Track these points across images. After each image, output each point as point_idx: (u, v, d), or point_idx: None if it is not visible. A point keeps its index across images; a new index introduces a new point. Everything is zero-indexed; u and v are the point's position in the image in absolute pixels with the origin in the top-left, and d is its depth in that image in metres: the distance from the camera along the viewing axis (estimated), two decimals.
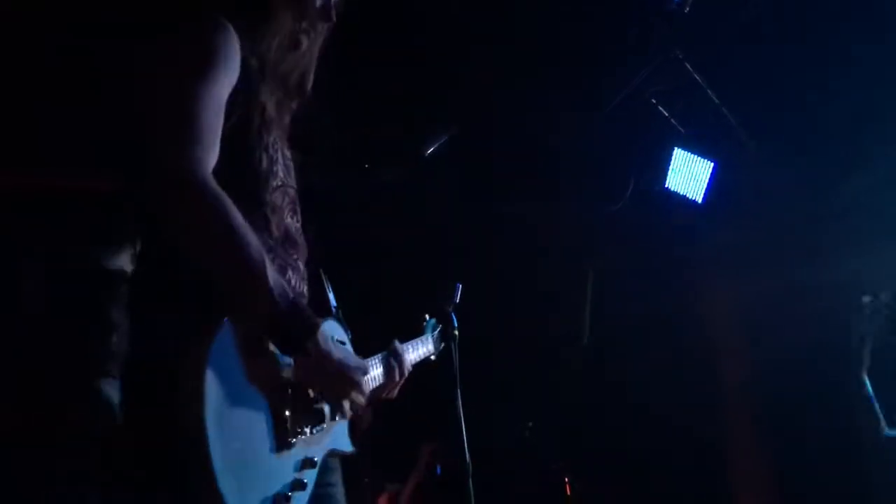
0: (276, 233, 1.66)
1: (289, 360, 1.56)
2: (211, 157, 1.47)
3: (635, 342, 5.89)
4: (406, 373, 2.06)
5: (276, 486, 1.51)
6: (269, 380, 1.52)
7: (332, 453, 1.70)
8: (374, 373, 1.94)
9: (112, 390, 1.62)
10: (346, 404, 1.64)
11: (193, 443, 1.36)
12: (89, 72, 1.98)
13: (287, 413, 1.54)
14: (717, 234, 5.60)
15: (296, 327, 1.50)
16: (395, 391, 2.04)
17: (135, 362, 1.50)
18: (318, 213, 1.90)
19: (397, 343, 2.10)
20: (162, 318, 1.49)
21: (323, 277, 1.87)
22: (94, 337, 2.09)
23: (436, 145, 4.68)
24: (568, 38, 4.39)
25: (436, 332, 2.52)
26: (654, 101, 4.88)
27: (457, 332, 3.15)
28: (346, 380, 1.59)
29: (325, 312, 1.87)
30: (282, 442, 1.53)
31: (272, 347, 1.54)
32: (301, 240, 1.77)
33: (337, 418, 1.71)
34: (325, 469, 1.68)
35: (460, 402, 3.08)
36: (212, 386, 1.39)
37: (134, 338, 1.51)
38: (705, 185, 5.02)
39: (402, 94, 4.58)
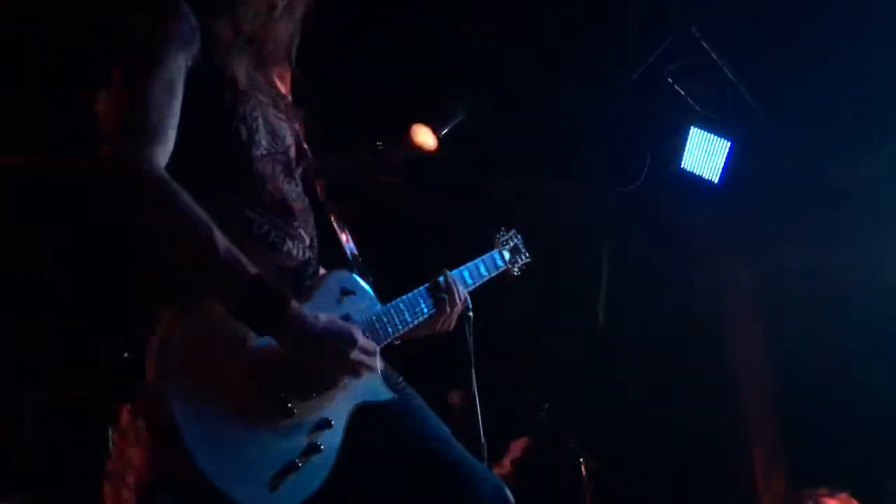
0: (270, 204, 1.65)
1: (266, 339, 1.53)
2: (157, 144, 1.47)
3: (650, 322, 5.88)
4: (459, 300, 2.01)
5: (279, 458, 1.50)
6: (256, 347, 1.51)
7: (364, 405, 1.67)
8: (410, 311, 1.89)
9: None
10: (345, 371, 1.57)
11: (169, 435, 1.38)
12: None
13: (274, 386, 1.53)
14: (733, 215, 5.56)
15: (261, 306, 1.46)
16: (453, 321, 2.00)
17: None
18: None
19: (446, 272, 2.04)
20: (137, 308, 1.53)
21: (335, 226, 1.83)
22: None
23: (451, 126, 4.66)
24: (583, 16, 4.35)
25: (511, 245, 2.39)
26: (670, 79, 4.83)
27: (471, 314, 3.14)
28: (332, 350, 1.53)
29: (341, 262, 1.83)
30: (276, 415, 1.52)
31: (246, 329, 1.51)
32: (302, 204, 1.74)
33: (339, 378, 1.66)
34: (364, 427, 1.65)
35: (475, 384, 3.08)
36: (178, 376, 1.41)
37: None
38: (722, 165, 4.97)
39: (418, 71, 4.56)
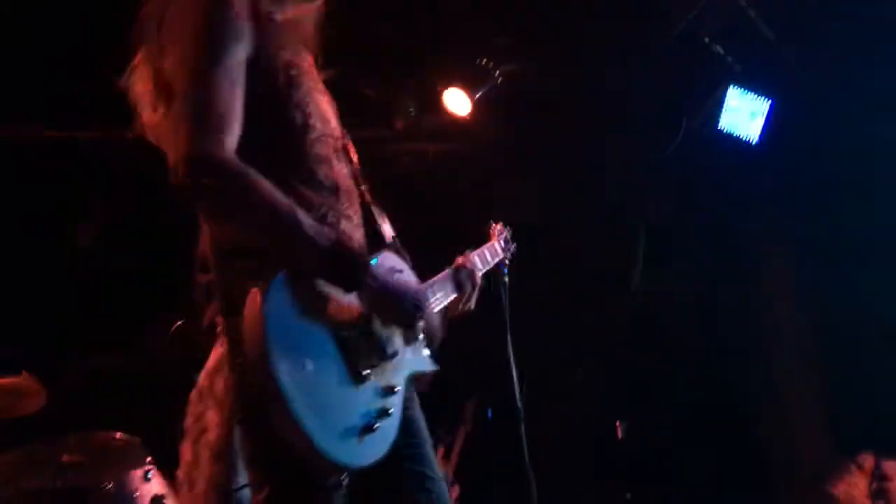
0: (326, 184, 1.73)
1: (350, 296, 1.65)
2: (227, 138, 1.55)
3: (687, 286, 5.84)
4: (478, 282, 2.13)
5: (359, 418, 1.61)
6: (333, 318, 1.61)
7: (416, 376, 1.78)
8: (443, 291, 2.01)
9: None
10: (418, 327, 1.71)
11: (269, 391, 1.48)
12: None
13: (356, 347, 1.63)
14: (773, 176, 5.47)
15: (346, 266, 1.60)
16: (472, 301, 2.11)
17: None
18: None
19: (468, 254, 2.18)
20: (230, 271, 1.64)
21: (375, 211, 1.90)
22: None
23: (484, 90, 4.64)
24: None
25: (503, 236, 2.55)
26: (706, 39, 4.74)
27: (507, 279, 3.16)
28: (408, 306, 1.68)
29: (380, 245, 1.90)
30: (356, 376, 1.62)
31: (330, 288, 1.62)
32: (351, 184, 1.82)
33: (411, 342, 1.78)
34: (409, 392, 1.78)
35: (511, 349, 3.10)
36: (274, 332, 1.50)
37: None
38: (761, 125, 4.88)
39: (450, 33, 4.53)
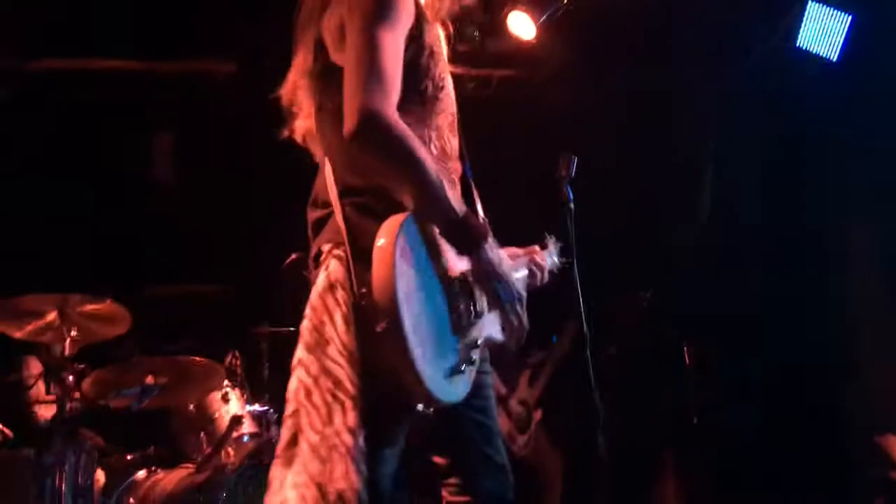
0: (436, 151, 1.97)
1: (462, 257, 1.89)
2: (394, 97, 1.80)
3: (758, 213, 5.71)
4: (546, 280, 2.35)
5: (453, 360, 1.82)
6: (447, 273, 1.85)
7: (488, 340, 1.97)
8: (520, 274, 2.22)
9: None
10: (507, 307, 1.93)
11: (390, 313, 1.66)
12: None
13: (460, 302, 1.86)
14: (854, 96, 5.25)
15: (469, 233, 1.86)
16: (537, 285, 2.32)
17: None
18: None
19: (550, 248, 2.42)
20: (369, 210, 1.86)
21: (473, 188, 2.10)
22: None
23: (550, 13, 4.53)
24: None
25: (556, 249, 2.64)
26: None
27: (572, 206, 3.15)
28: (508, 292, 1.92)
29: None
30: (455, 325, 1.84)
31: (450, 248, 1.87)
32: (456, 158, 2.05)
33: (492, 309, 1.97)
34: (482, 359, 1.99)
35: (577, 274, 3.11)
36: (402, 262, 1.71)
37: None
38: (841, 42, 4.68)
39: None
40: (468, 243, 1.86)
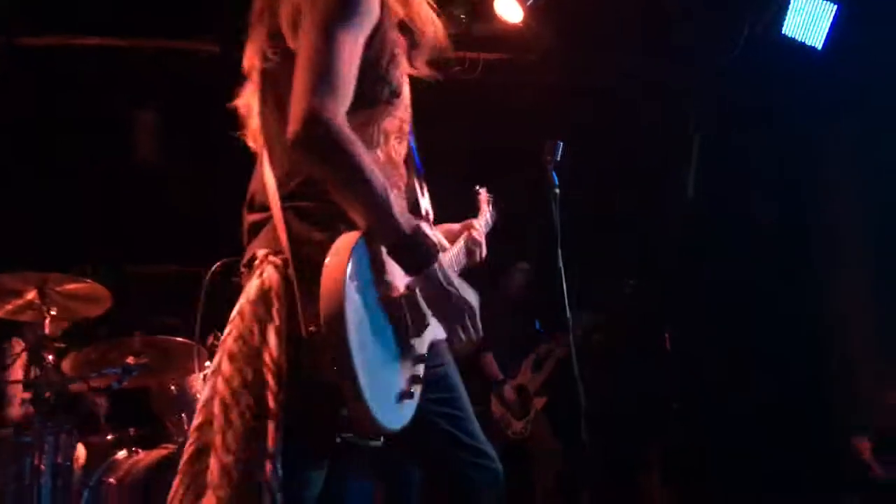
0: (382, 157, 1.84)
1: (409, 278, 1.76)
2: (345, 104, 1.67)
3: (743, 198, 5.74)
4: (485, 252, 2.26)
5: (402, 384, 1.72)
6: (392, 293, 1.73)
7: (434, 342, 1.88)
8: (456, 256, 2.13)
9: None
10: (458, 329, 1.80)
11: (339, 350, 1.55)
12: None
13: (406, 320, 1.74)
14: (838, 84, 5.27)
15: (417, 254, 1.72)
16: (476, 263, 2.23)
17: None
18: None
19: (475, 224, 2.30)
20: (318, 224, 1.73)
21: (417, 184, 1.99)
22: None
23: None
24: None
25: (489, 204, 2.60)
26: None
27: (558, 191, 3.15)
28: (458, 310, 1.79)
29: (416, 216, 1.97)
30: (402, 345, 1.74)
31: (396, 267, 1.74)
32: (399, 161, 1.92)
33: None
34: (432, 355, 1.87)
35: (561, 260, 3.12)
36: (351, 291, 1.59)
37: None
38: (826, 31, 4.70)
39: None
40: (416, 265, 1.72)
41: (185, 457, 1.66)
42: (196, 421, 1.67)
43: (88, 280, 3.82)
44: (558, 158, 3.15)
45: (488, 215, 2.51)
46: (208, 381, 1.70)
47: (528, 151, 3.20)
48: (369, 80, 1.78)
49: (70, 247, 4.91)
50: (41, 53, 5.04)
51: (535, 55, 5.31)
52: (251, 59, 1.89)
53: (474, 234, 2.25)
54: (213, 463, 1.59)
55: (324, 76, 1.65)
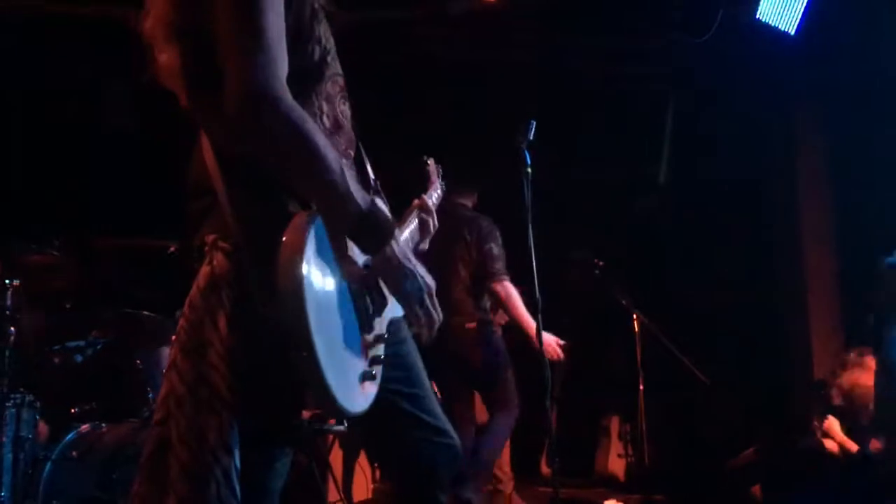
0: (327, 123, 1.71)
1: (366, 257, 1.69)
2: (282, 66, 1.52)
3: (715, 180, 5.78)
4: (436, 224, 2.16)
5: (363, 364, 1.66)
6: (350, 271, 1.65)
7: (393, 320, 1.83)
8: (411, 232, 2.05)
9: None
10: (417, 307, 1.72)
11: (301, 339, 1.48)
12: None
13: (364, 300, 1.68)
14: (811, 70, 5.31)
15: (375, 231, 1.62)
16: (426, 243, 2.15)
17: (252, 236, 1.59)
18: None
19: (425, 197, 2.19)
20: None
21: (361, 151, 1.89)
22: None
23: None
24: None
25: (438, 175, 2.52)
26: None
27: (530, 170, 3.15)
28: (417, 287, 1.70)
29: (365, 186, 1.88)
30: (362, 325, 1.67)
31: (353, 244, 1.65)
32: (348, 126, 1.80)
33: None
34: (390, 334, 1.81)
35: (532, 239, 3.13)
36: (310, 274, 1.51)
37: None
38: (800, 16, 4.72)
39: None
40: (374, 243, 1.64)
41: (145, 453, 1.61)
42: (156, 416, 1.62)
43: (55, 252, 3.76)
44: (531, 138, 3.15)
45: (438, 187, 2.44)
46: (165, 376, 1.63)
47: (502, 130, 3.20)
48: (297, 41, 1.62)
49: (37, 218, 4.84)
50: (4, 21, 4.93)
51: (511, 35, 5.29)
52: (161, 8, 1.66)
53: (425, 205, 2.17)
54: (171, 459, 1.55)
55: (256, 42, 1.50)
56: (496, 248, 4.26)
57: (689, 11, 5.08)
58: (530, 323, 4.00)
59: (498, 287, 4.20)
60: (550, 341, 4.20)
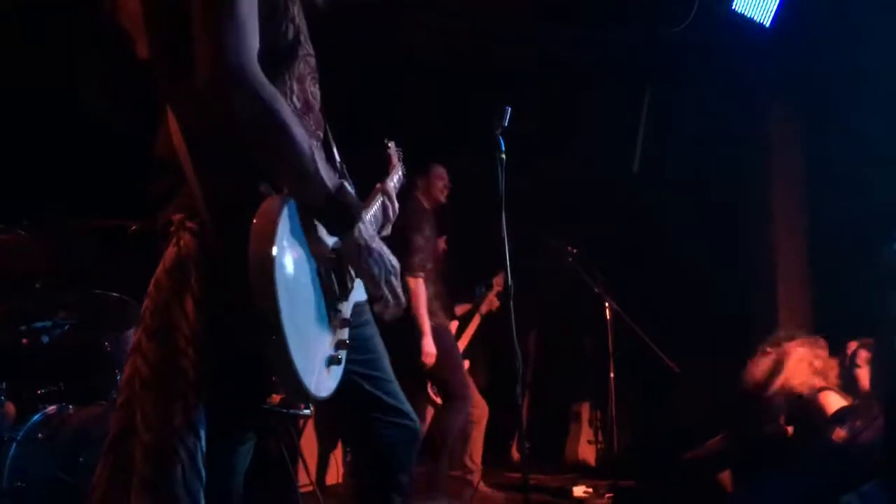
0: (297, 104, 1.70)
1: (334, 239, 1.69)
2: (253, 43, 1.51)
3: (688, 170, 5.80)
4: (397, 209, 2.17)
5: (329, 350, 1.67)
6: (319, 253, 1.66)
7: (357, 304, 1.85)
8: (374, 216, 2.04)
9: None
10: (382, 283, 1.74)
11: (271, 324, 1.47)
12: None
13: (332, 282, 1.69)
14: (786, 61, 5.34)
15: (344, 213, 1.63)
16: (388, 228, 2.15)
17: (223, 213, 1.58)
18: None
19: (386, 183, 2.20)
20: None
21: (328, 134, 1.88)
22: None
23: None
24: None
25: (400, 158, 2.53)
26: None
27: (504, 156, 3.14)
28: (383, 269, 1.72)
29: (334, 170, 1.90)
30: (331, 309, 1.68)
31: (321, 227, 1.66)
32: (317, 108, 1.80)
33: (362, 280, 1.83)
34: (354, 317, 1.82)
35: (504, 226, 3.12)
36: (280, 258, 1.50)
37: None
38: (775, 8, 4.74)
39: None
40: (342, 224, 1.64)
41: (110, 437, 1.58)
42: (119, 399, 1.59)
43: (21, 231, 3.71)
44: (506, 123, 3.14)
45: (399, 170, 2.45)
46: (129, 358, 1.61)
47: (479, 117, 3.19)
48: (270, 19, 1.62)
49: (3, 197, 4.76)
50: None
51: (489, 25, 5.28)
52: None
53: (387, 187, 2.18)
54: (135, 441, 1.53)
55: (230, 16, 1.48)
56: (420, 239, 4.27)
57: (665, 2, 5.09)
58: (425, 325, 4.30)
59: (411, 281, 4.26)
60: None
